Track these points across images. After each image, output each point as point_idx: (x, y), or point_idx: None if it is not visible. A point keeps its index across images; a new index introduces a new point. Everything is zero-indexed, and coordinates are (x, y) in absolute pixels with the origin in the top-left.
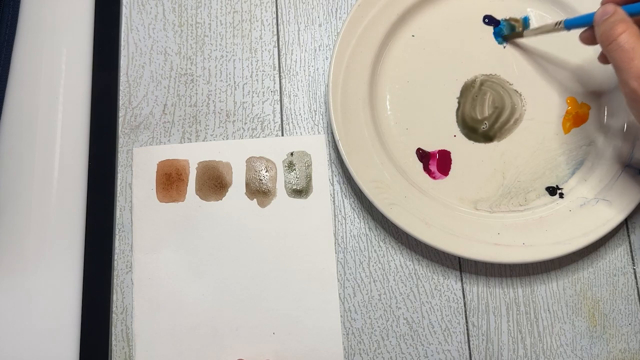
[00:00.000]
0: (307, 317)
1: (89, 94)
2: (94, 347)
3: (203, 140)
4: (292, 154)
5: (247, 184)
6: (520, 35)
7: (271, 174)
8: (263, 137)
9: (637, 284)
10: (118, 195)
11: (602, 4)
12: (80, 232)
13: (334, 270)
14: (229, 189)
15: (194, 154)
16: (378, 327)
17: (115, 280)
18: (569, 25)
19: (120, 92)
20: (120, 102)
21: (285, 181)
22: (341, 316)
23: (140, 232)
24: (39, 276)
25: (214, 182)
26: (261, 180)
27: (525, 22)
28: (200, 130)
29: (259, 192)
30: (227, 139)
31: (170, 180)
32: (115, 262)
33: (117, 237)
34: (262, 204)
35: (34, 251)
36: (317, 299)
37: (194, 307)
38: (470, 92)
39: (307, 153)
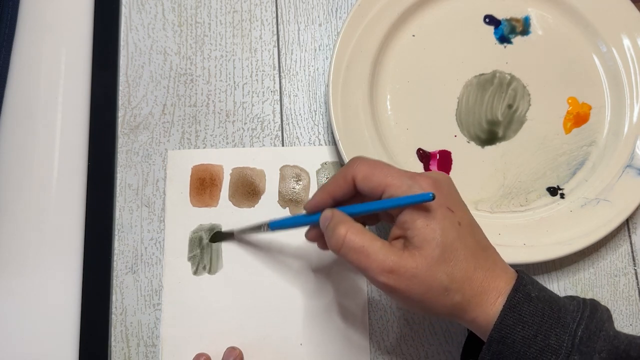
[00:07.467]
0: (335, 329)
1: (89, 94)
2: (94, 348)
3: (203, 140)
4: (325, 163)
5: (280, 192)
6: (231, 236)
7: (304, 183)
8: (299, 145)
9: (638, 284)
10: (117, 195)
11: (307, 208)
12: (79, 232)
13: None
14: (261, 197)
15: (228, 160)
16: (378, 327)
17: (114, 281)
18: (274, 227)
19: (120, 92)
20: (120, 102)
21: None
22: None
23: (172, 235)
24: (38, 276)
25: (247, 189)
26: (294, 189)
27: (526, 22)
28: (200, 131)
29: (291, 201)
30: (227, 139)
31: (204, 185)
32: (115, 263)
33: (116, 237)
34: (294, 213)
35: (33, 251)
36: (345, 309)
37: (222, 313)
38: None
39: (340, 163)
